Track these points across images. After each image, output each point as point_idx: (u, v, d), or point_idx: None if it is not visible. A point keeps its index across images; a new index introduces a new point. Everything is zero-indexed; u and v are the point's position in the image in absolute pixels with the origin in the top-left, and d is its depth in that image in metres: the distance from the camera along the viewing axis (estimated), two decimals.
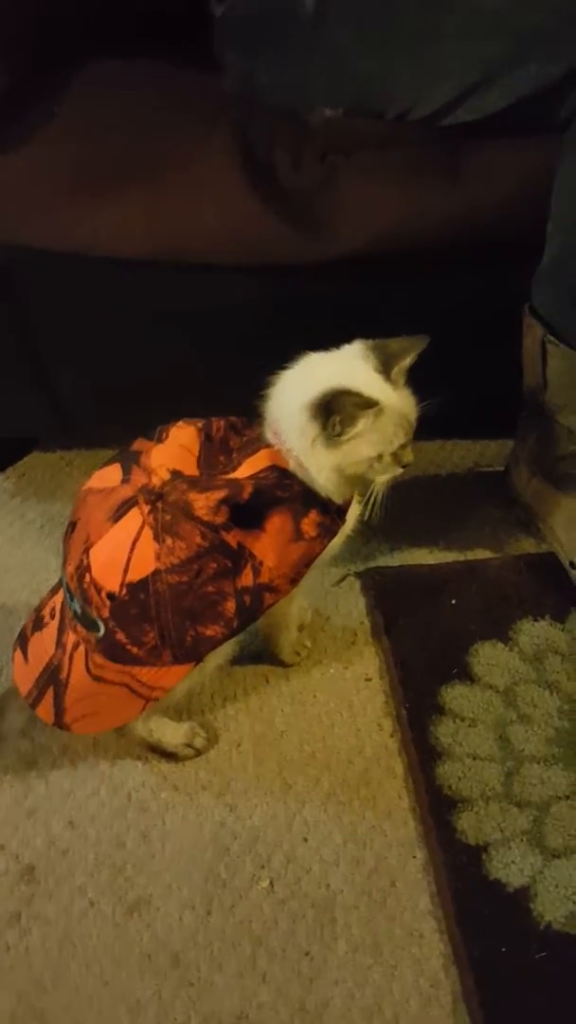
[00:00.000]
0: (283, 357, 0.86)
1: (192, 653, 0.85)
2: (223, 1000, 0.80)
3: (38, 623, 0.91)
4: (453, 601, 1.09)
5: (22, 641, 0.92)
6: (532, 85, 0.84)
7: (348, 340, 0.87)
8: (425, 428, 0.92)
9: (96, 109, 0.99)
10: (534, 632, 1.05)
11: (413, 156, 0.95)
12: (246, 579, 0.84)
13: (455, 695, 0.99)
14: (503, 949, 0.80)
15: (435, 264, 0.98)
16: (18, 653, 0.92)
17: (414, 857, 0.88)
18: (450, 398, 0.94)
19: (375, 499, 0.88)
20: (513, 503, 1.19)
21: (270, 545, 0.84)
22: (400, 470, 0.88)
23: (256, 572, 0.84)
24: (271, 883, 0.86)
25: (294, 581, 0.88)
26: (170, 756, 0.96)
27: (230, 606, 0.84)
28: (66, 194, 0.97)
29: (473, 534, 1.20)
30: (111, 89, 1.02)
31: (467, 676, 1.01)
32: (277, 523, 0.84)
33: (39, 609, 0.93)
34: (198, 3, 1.08)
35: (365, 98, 0.94)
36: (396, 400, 0.83)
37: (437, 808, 0.89)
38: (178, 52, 1.05)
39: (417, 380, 0.86)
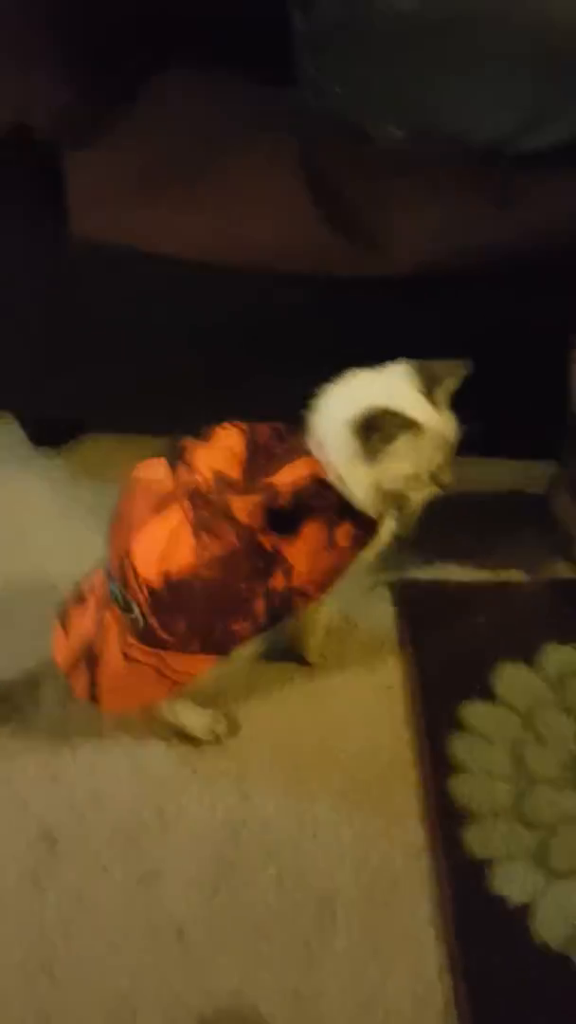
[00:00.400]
0: (328, 368, 0.89)
1: (219, 645, 0.90)
2: (221, 977, 0.85)
3: (79, 598, 0.96)
4: (481, 619, 1.12)
5: (63, 616, 0.97)
6: None
7: (394, 356, 0.89)
8: (469, 445, 0.95)
9: (170, 116, 1.04)
10: (559, 656, 1.08)
11: (469, 181, 0.98)
12: (277, 582, 0.88)
13: (474, 712, 1.02)
14: (498, 963, 0.83)
15: (485, 287, 1.01)
16: (58, 627, 0.97)
17: (419, 862, 0.91)
18: (493, 420, 0.97)
19: (411, 516, 0.91)
20: (552, 527, 1.21)
21: (303, 551, 0.88)
22: (438, 490, 0.90)
23: (287, 576, 0.88)
24: (277, 872, 0.91)
25: (324, 588, 0.92)
26: (192, 740, 1.01)
27: (259, 605, 0.88)
28: (138, 194, 1.02)
29: (508, 554, 1.22)
30: (187, 98, 1.07)
31: (488, 694, 1.04)
32: (312, 531, 0.88)
33: (81, 585, 0.98)
34: (281, 18, 1.11)
35: (430, 121, 0.98)
36: (437, 422, 0.86)
37: (446, 819, 0.93)
38: (254, 66, 1.09)
39: (461, 401, 0.88)
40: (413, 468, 0.86)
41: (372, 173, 1.01)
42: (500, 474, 1.34)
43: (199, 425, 0.93)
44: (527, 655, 1.07)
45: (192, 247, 1.03)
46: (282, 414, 0.91)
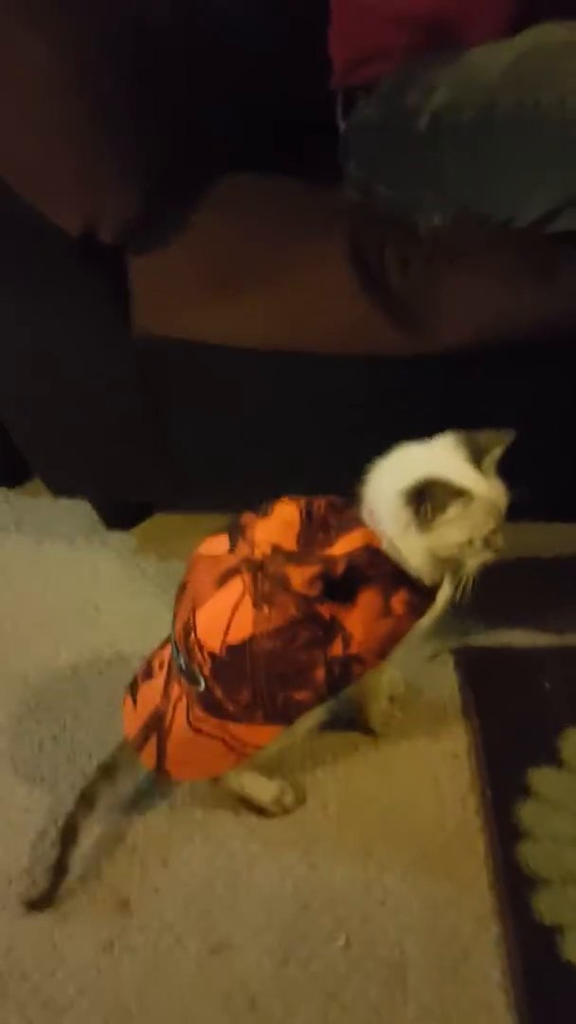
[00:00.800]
0: (384, 442, 0.93)
1: (282, 715, 0.92)
2: None
3: (148, 673, 1.00)
4: (547, 684, 1.12)
5: (133, 688, 1.01)
6: None
7: (445, 428, 0.93)
8: (529, 510, 0.97)
9: (227, 217, 1.11)
10: None
11: (513, 259, 1.01)
12: (336, 649, 0.90)
13: (541, 778, 1.01)
14: None
15: (532, 359, 1.03)
16: (128, 699, 1.01)
17: (489, 931, 0.90)
18: (547, 486, 0.99)
19: (466, 581, 0.93)
20: None
21: (360, 619, 0.90)
22: (491, 554, 0.93)
23: (346, 643, 0.90)
24: (347, 941, 0.91)
25: (382, 655, 0.94)
26: (260, 811, 1.02)
27: (320, 673, 0.90)
28: (195, 294, 1.09)
29: (572, 618, 1.22)
30: (242, 198, 1.13)
31: (555, 760, 1.03)
32: (368, 599, 0.90)
33: (150, 660, 1.02)
34: (328, 122, 1.21)
35: (470, 209, 1.02)
36: (485, 489, 0.89)
37: (514, 885, 0.92)
38: (304, 165, 1.17)
39: (515, 469, 0.92)
40: (466, 535, 0.89)
41: (417, 258, 1.06)
42: (565, 539, 1.36)
43: (260, 502, 0.98)
44: None
45: (249, 338, 1.09)
46: (339, 490, 0.95)
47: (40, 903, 0.95)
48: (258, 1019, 0.86)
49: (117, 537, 1.45)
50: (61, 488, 1.42)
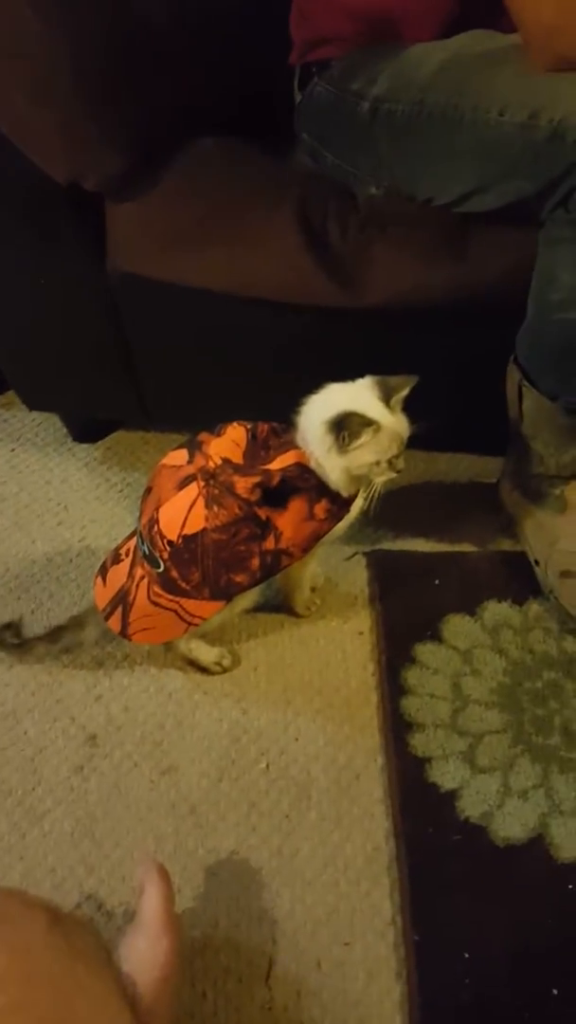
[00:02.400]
0: (316, 378, 1.11)
1: (224, 593, 1.11)
2: (223, 839, 1.09)
3: (116, 558, 1.19)
4: (437, 581, 1.35)
5: (103, 570, 1.20)
6: (517, 195, 1.08)
7: (366, 370, 1.11)
8: (438, 442, 1.15)
9: (194, 177, 1.26)
10: (496, 610, 1.31)
11: (432, 235, 1.19)
12: (269, 544, 1.08)
13: (425, 650, 1.26)
14: (430, 830, 1.07)
15: (441, 320, 1.22)
16: (98, 579, 1.20)
17: (375, 761, 1.15)
18: (452, 421, 1.21)
19: (374, 495, 1.12)
20: (499, 509, 1.44)
21: (290, 521, 1.08)
22: (394, 474, 1.09)
23: (277, 539, 1.08)
24: (267, 766, 1.15)
25: (305, 550, 1.13)
26: (203, 670, 1.24)
27: (255, 562, 1.09)
28: (166, 241, 1.24)
29: (464, 531, 1.44)
30: (208, 161, 1.28)
31: (437, 637, 1.27)
32: (296, 505, 1.07)
33: (117, 549, 1.20)
34: (287, 93, 1.37)
35: (399, 186, 1.20)
36: (392, 421, 1.07)
37: (397, 728, 1.16)
38: (264, 134, 1.34)
39: (424, 405, 1.10)
40: (374, 457, 1.05)
41: (354, 225, 1.24)
42: (463, 467, 1.58)
43: (214, 424, 1.16)
44: (471, 609, 1.30)
45: (210, 282, 1.26)
46: (279, 417, 1.13)
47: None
48: (196, 821, 1.11)
49: (84, 449, 1.63)
50: (35, 403, 1.57)
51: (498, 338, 1.25)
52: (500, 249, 1.19)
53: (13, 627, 1.24)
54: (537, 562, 1.34)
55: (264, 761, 1.16)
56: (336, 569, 1.40)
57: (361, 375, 1.12)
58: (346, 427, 1.04)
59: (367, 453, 1.06)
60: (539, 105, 1.02)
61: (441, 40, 1.19)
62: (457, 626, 1.29)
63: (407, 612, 1.31)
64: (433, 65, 1.15)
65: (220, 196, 1.27)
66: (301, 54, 1.33)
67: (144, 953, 0.85)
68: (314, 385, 1.12)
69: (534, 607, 1.32)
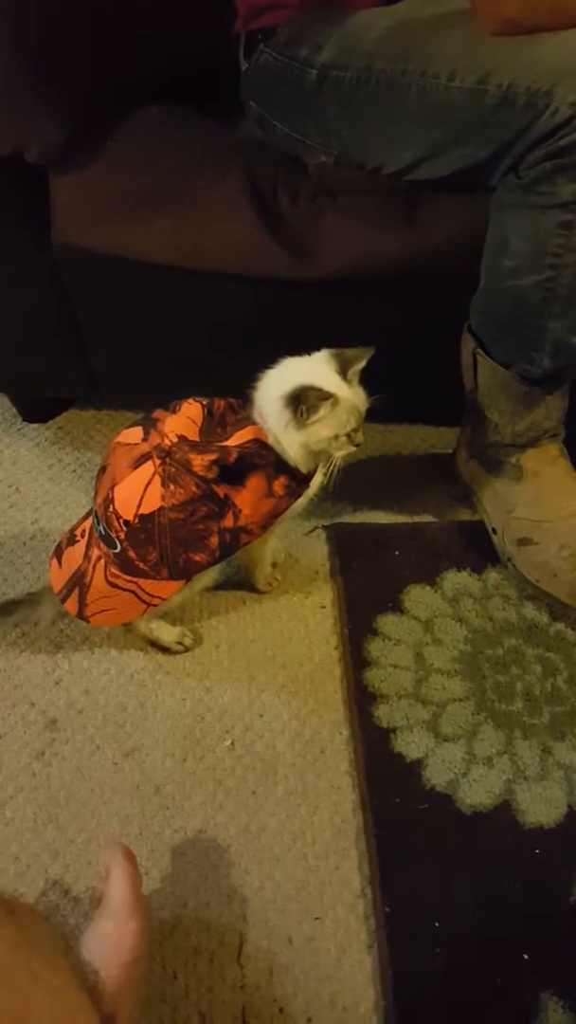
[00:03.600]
0: (270, 352, 1.10)
1: (183, 572, 1.10)
2: (189, 819, 1.08)
3: (71, 539, 1.17)
4: (396, 552, 1.35)
5: (58, 552, 1.18)
6: (467, 161, 1.07)
7: (321, 342, 1.10)
8: (394, 414, 1.15)
9: (139, 147, 1.24)
10: (456, 580, 1.32)
11: (382, 202, 1.19)
12: (228, 522, 1.07)
13: (387, 622, 1.26)
14: (397, 800, 1.08)
15: (394, 289, 1.22)
16: (54, 561, 1.18)
17: (340, 734, 1.16)
18: (407, 393, 1.20)
19: (334, 470, 1.12)
20: (456, 479, 1.45)
21: (248, 498, 1.07)
22: (353, 448, 1.09)
23: (236, 517, 1.07)
24: (232, 743, 1.15)
25: (264, 528, 1.13)
26: (165, 650, 1.23)
27: (214, 540, 1.08)
28: (110, 212, 1.21)
29: (422, 502, 1.46)
30: (154, 130, 1.26)
31: (398, 608, 1.28)
32: (255, 482, 1.07)
33: (72, 530, 1.18)
34: (233, 62, 1.34)
35: (349, 154, 1.18)
36: (349, 394, 1.06)
37: (361, 700, 1.17)
38: (208, 102, 1.31)
39: (379, 377, 1.10)
40: (332, 431, 1.05)
41: (304, 193, 1.23)
42: (419, 438, 1.60)
43: (169, 400, 1.14)
44: (430, 579, 1.31)
45: (156, 254, 1.24)
46: (234, 392, 1.12)
47: None
48: (161, 801, 1.10)
49: (34, 429, 1.59)
50: None
51: (451, 307, 1.24)
52: (450, 215, 1.19)
53: None
54: (495, 530, 1.35)
55: (229, 738, 1.16)
56: (296, 544, 1.40)
57: (314, 347, 1.11)
58: (304, 401, 1.03)
59: (325, 427, 1.06)
60: (488, 70, 1.01)
61: (387, 6, 1.17)
62: (417, 596, 1.30)
63: (368, 584, 1.31)
64: (380, 30, 1.14)
65: (166, 165, 1.24)
66: (245, 21, 1.29)
67: (111, 937, 0.85)
68: (267, 359, 1.10)
69: (492, 575, 1.33)
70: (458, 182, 1.13)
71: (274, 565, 1.33)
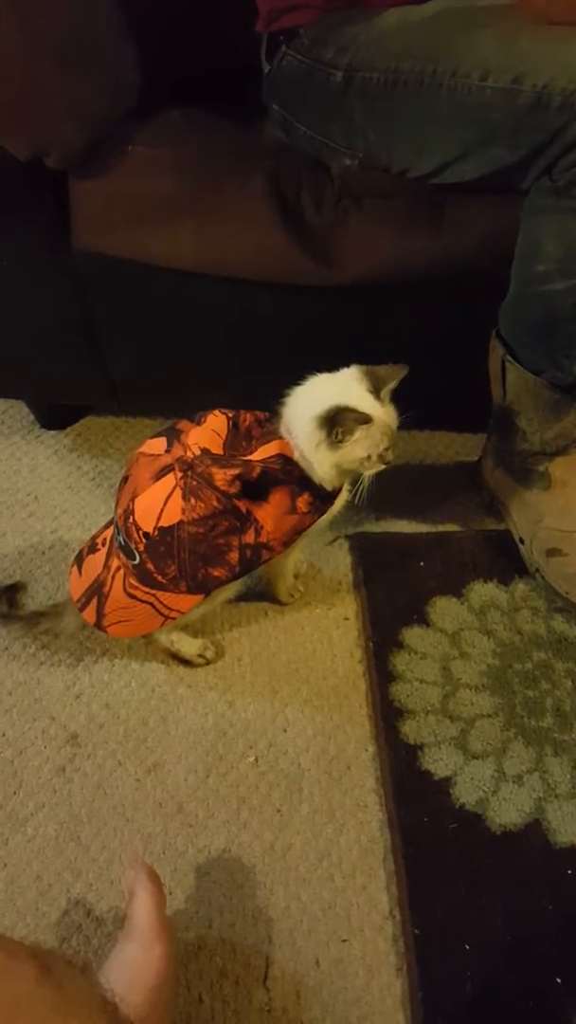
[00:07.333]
0: (292, 360, 1.07)
1: (202, 587, 1.08)
2: (213, 837, 1.06)
3: (92, 548, 1.15)
4: (422, 563, 1.33)
5: (78, 560, 1.17)
6: (497, 163, 1.05)
7: (345, 349, 1.08)
8: (418, 421, 1.13)
9: (162, 150, 1.22)
10: (483, 591, 1.29)
11: (409, 206, 1.16)
12: (249, 537, 1.06)
13: (412, 634, 1.24)
14: (426, 819, 1.05)
15: (420, 295, 1.19)
16: (74, 569, 1.16)
17: (366, 750, 1.13)
18: (434, 401, 1.18)
19: (363, 488, 1.10)
20: (481, 488, 1.42)
21: (271, 514, 1.06)
22: (383, 466, 1.08)
23: (257, 533, 1.06)
24: (256, 759, 1.12)
25: (286, 544, 1.11)
26: (186, 663, 1.21)
27: (234, 556, 1.06)
28: (131, 217, 1.20)
29: (446, 511, 1.43)
30: (176, 134, 1.24)
31: (424, 621, 1.25)
32: (278, 498, 1.05)
33: (94, 538, 1.17)
34: (252, 62, 1.32)
35: (374, 157, 1.16)
36: (383, 415, 1.04)
37: (388, 716, 1.14)
38: (231, 105, 1.29)
39: (403, 386, 1.07)
40: (366, 452, 1.03)
41: (329, 198, 1.20)
42: (443, 445, 1.57)
43: (187, 407, 1.12)
44: (456, 590, 1.28)
45: (177, 260, 1.22)
46: (254, 404, 1.10)
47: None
48: (185, 820, 1.08)
49: (52, 436, 1.58)
50: None
51: (479, 312, 1.22)
52: (478, 219, 1.16)
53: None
54: (522, 540, 1.32)
55: (252, 754, 1.14)
56: (319, 554, 1.37)
57: (338, 354, 1.08)
58: (340, 423, 1.01)
59: (359, 448, 1.04)
60: (523, 70, 0.98)
61: (415, 5, 1.14)
62: (444, 608, 1.27)
63: (392, 596, 1.29)
64: (409, 30, 1.11)
65: (188, 170, 1.22)
66: (267, 22, 1.27)
67: (137, 961, 0.83)
68: (288, 366, 1.08)
69: (520, 587, 1.30)
70: (486, 185, 1.10)
71: (296, 576, 1.31)
